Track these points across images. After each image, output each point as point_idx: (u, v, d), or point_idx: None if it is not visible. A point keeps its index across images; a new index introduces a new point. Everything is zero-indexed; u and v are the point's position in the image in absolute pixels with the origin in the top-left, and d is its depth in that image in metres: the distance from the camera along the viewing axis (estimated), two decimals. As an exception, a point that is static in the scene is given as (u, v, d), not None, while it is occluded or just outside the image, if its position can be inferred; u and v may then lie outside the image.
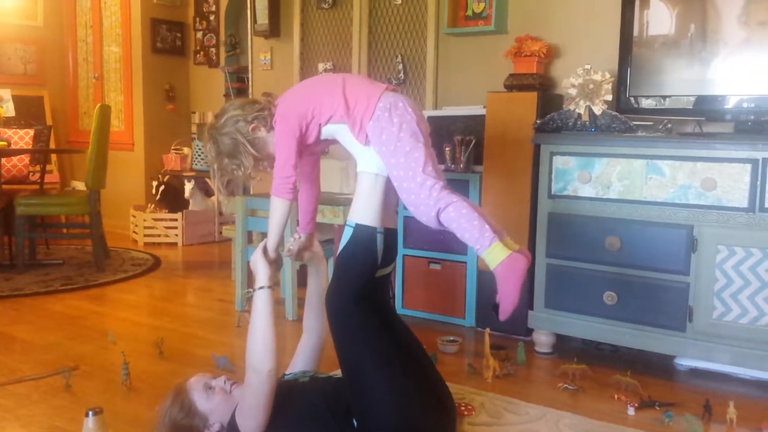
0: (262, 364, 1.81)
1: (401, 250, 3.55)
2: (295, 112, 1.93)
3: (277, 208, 1.94)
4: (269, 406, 1.82)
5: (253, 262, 1.96)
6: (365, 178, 1.88)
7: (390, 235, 1.93)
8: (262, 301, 1.88)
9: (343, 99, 1.88)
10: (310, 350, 2.22)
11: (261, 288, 1.89)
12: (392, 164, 1.82)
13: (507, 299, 1.75)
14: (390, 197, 1.91)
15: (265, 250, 1.96)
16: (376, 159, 1.86)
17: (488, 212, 1.96)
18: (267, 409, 1.82)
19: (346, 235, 1.87)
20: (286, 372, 2.18)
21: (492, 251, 1.75)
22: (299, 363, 2.21)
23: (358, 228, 1.86)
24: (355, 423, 1.85)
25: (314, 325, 2.21)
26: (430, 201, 1.78)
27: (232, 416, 1.85)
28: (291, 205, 1.95)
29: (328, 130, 1.94)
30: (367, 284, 1.88)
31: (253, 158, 1.95)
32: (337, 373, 2.09)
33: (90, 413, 1.95)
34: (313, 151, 2.06)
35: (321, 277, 2.21)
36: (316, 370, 2.21)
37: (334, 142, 2.00)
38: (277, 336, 1.85)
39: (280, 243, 2.03)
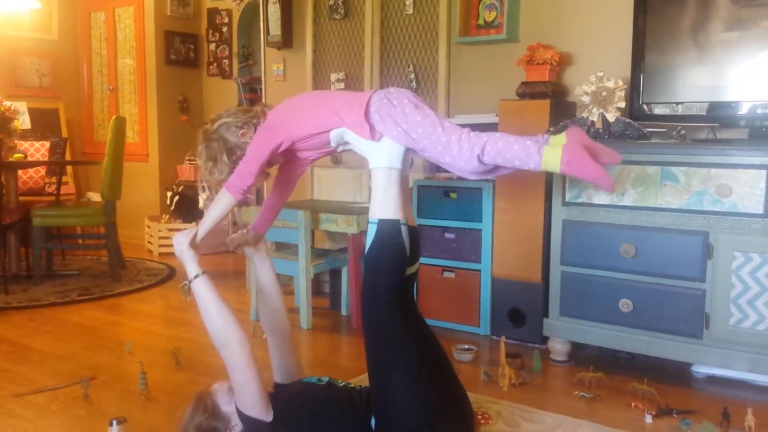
0: (229, 336, 1.85)
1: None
2: (282, 128, 1.97)
3: (222, 202, 1.97)
4: (255, 374, 1.85)
5: (179, 253, 1.98)
6: (378, 173, 1.89)
7: (412, 232, 1.93)
8: (203, 287, 1.91)
9: (337, 117, 1.92)
10: (280, 351, 2.19)
11: (197, 276, 1.92)
12: (413, 140, 1.84)
13: (595, 177, 1.77)
14: (405, 191, 1.92)
15: (193, 238, 1.97)
16: (386, 153, 1.88)
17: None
18: (255, 378, 1.84)
19: (371, 232, 1.87)
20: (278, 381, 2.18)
21: (546, 160, 1.76)
22: (278, 371, 2.19)
23: (381, 223, 1.86)
24: (373, 424, 1.85)
25: (273, 323, 2.18)
26: (466, 152, 1.80)
27: (238, 410, 1.87)
28: (235, 205, 1.98)
29: (335, 138, 1.97)
30: (399, 281, 1.88)
31: (228, 168, 1.99)
32: (351, 382, 2.09)
33: (114, 422, 1.98)
34: (301, 155, 2.07)
35: (265, 273, 2.18)
36: (302, 374, 2.21)
37: (339, 148, 2.03)
38: (231, 308, 1.90)
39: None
